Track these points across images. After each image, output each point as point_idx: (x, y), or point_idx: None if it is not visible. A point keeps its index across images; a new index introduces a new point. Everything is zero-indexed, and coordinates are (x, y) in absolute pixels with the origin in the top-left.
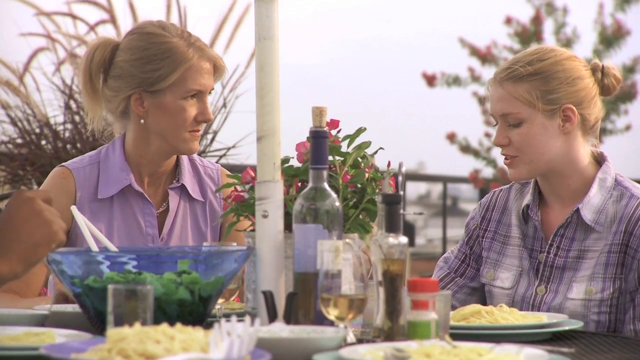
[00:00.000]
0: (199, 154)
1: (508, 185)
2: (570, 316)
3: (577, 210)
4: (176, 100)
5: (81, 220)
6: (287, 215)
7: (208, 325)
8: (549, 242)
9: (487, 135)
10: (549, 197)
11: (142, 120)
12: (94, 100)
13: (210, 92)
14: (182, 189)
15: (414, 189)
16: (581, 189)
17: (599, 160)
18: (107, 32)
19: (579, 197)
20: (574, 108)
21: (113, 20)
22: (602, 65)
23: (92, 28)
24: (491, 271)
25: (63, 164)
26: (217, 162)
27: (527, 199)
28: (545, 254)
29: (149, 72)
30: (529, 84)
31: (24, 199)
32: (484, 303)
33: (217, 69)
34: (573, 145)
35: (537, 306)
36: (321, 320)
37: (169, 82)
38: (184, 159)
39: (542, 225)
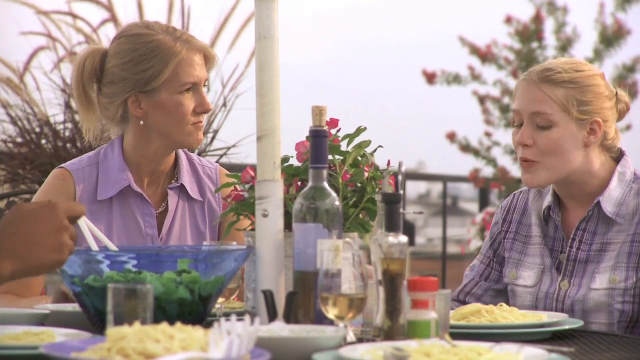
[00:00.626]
0: (199, 153)
1: (527, 188)
2: (595, 307)
3: (598, 203)
4: (172, 96)
5: (81, 220)
6: (287, 215)
7: (208, 325)
8: (571, 236)
9: (487, 134)
10: (566, 201)
11: (141, 122)
12: (89, 110)
13: (205, 84)
14: (181, 189)
15: (413, 188)
16: (598, 188)
17: (617, 157)
18: (108, 31)
19: (597, 196)
20: (602, 122)
21: (114, 19)
22: (616, 92)
23: (94, 30)
24: (513, 270)
25: (62, 165)
26: (217, 161)
27: (548, 200)
28: (567, 249)
29: (141, 73)
30: (565, 90)
31: (56, 217)
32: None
33: (208, 59)
34: (591, 158)
35: (562, 300)
36: (321, 319)
37: (162, 79)
38: (183, 158)
39: (563, 225)
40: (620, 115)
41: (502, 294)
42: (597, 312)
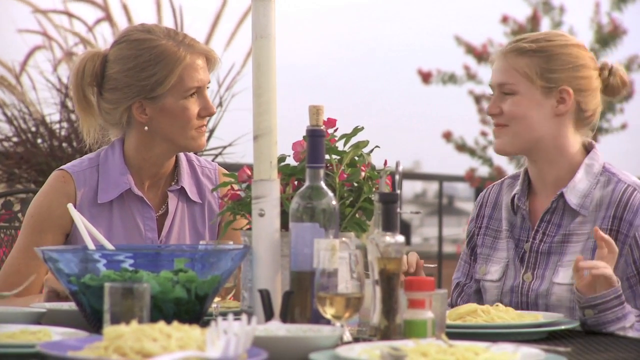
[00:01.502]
0: (196, 152)
1: (500, 180)
2: (557, 302)
3: (562, 194)
4: (178, 101)
5: (77, 218)
6: (284, 214)
7: (204, 324)
8: (535, 228)
9: (483, 134)
10: (536, 185)
11: (146, 128)
12: (89, 113)
13: (208, 86)
14: (181, 191)
15: (410, 188)
16: (568, 176)
17: (588, 148)
18: (103, 30)
19: (565, 184)
20: (572, 92)
21: (109, 18)
22: (612, 66)
23: (90, 29)
24: (483, 266)
25: (62, 167)
26: (213, 161)
27: (516, 189)
28: (531, 240)
29: (146, 80)
30: (530, 59)
31: None
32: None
33: (210, 62)
34: (563, 131)
35: (525, 294)
36: (317, 318)
37: (168, 85)
38: (183, 160)
39: (530, 215)
40: (613, 89)
41: (481, 297)
42: (559, 308)
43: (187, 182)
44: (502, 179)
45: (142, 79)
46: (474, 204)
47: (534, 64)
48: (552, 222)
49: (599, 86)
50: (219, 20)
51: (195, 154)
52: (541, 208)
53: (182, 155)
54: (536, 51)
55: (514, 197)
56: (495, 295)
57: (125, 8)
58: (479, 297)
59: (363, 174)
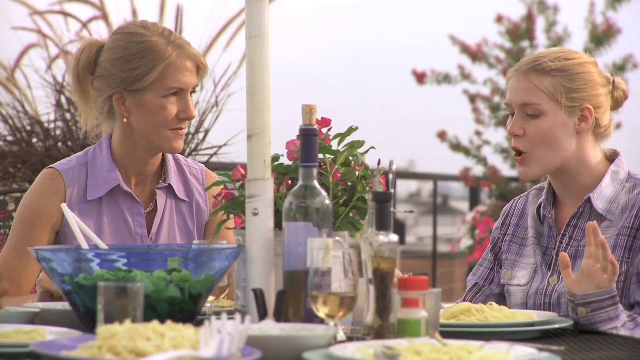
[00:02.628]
0: (191, 152)
1: (527, 192)
2: None
3: (589, 199)
4: (157, 99)
5: (71, 218)
6: (278, 213)
7: (198, 324)
8: (562, 232)
9: (478, 133)
10: (561, 195)
11: (125, 120)
12: (86, 102)
13: (194, 91)
14: (169, 189)
15: (404, 187)
16: (592, 184)
17: (612, 157)
18: (99, 29)
19: (591, 191)
20: (592, 110)
21: (105, 17)
22: (614, 80)
23: (84, 25)
24: (509, 271)
25: (51, 165)
26: (208, 161)
27: (542, 198)
28: (557, 245)
29: (128, 72)
30: (554, 79)
31: None
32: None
33: (200, 68)
34: (584, 146)
35: (549, 295)
36: (311, 318)
37: (149, 81)
38: (170, 159)
39: (557, 222)
40: (617, 103)
41: (503, 300)
42: None
43: (174, 180)
44: (529, 190)
45: (126, 70)
46: (501, 213)
47: (558, 83)
48: (579, 226)
49: (609, 103)
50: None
51: (190, 154)
52: (567, 215)
53: (168, 154)
54: (559, 70)
55: (539, 206)
56: (521, 298)
57: (134, 12)
58: (500, 300)
59: (357, 173)
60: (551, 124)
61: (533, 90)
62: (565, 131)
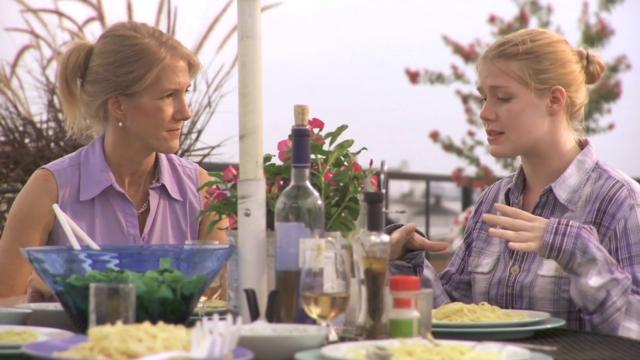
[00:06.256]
0: (184, 153)
1: (499, 180)
2: (541, 294)
3: (551, 189)
4: (152, 101)
5: (63, 218)
6: (269, 214)
7: (190, 324)
8: None
9: (470, 133)
10: (531, 180)
11: (120, 124)
12: (72, 104)
13: (187, 90)
14: (162, 189)
15: (397, 188)
16: (560, 171)
17: (582, 145)
18: (95, 29)
19: (556, 179)
20: (564, 90)
21: (101, 17)
22: (587, 53)
23: (80, 28)
24: (476, 259)
25: (44, 166)
26: (201, 161)
27: (511, 183)
28: None
29: (123, 75)
30: (520, 62)
31: None
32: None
33: (192, 66)
34: (558, 128)
35: (511, 286)
36: (303, 318)
37: (145, 84)
38: (163, 159)
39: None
40: (593, 76)
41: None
42: (542, 300)
43: (167, 180)
44: (501, 179)
45: (120, 74)
46: (476, 201)
47: (525, 66)
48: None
49: (583, 77)
50: (215, 22)
51: (183, 154)
52: (533, 203)
53: (162, 154)
54: (525, 53)
55: (508, 192)
56: (484, 287)
57: (129, 8)
58: (467, 287)
59: (350, 173)
60: (522, 106)
61: (500, 74)
62: (537, 112)
